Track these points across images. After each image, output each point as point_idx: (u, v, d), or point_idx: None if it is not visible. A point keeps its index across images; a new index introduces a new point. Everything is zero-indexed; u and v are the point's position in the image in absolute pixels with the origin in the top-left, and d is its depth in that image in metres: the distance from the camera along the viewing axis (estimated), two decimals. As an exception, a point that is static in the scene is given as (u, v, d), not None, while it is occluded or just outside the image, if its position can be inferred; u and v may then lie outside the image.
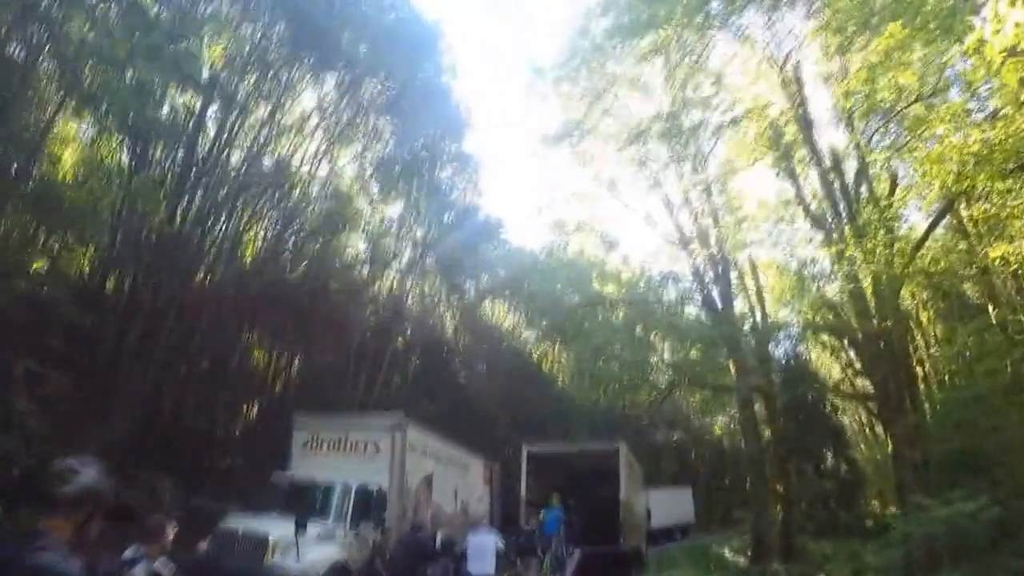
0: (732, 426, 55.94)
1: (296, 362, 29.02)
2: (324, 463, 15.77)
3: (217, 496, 16.94)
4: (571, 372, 37.52)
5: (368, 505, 14.40)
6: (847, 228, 19.00)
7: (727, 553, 25.77)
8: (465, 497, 20.21)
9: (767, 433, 27.06)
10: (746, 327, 26.93)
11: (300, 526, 12.03)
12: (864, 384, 30.27)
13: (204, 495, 18.20)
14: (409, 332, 32.14)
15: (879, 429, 36.09)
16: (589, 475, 22.61)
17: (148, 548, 5.62)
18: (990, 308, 23.55)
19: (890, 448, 21.69)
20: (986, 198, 21.18)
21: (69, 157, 22.14)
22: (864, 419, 42.79)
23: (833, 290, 23.25)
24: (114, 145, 21.58)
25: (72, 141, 21.74)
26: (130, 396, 18.94)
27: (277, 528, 12.48)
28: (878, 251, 17.16)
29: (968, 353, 22.23)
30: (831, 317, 24.52)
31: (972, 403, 16.51)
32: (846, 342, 28.92)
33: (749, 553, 23.90)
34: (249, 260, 26.12)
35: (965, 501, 11.23)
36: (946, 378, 25.73)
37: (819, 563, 20.79)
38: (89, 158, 21.68)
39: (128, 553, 5.61)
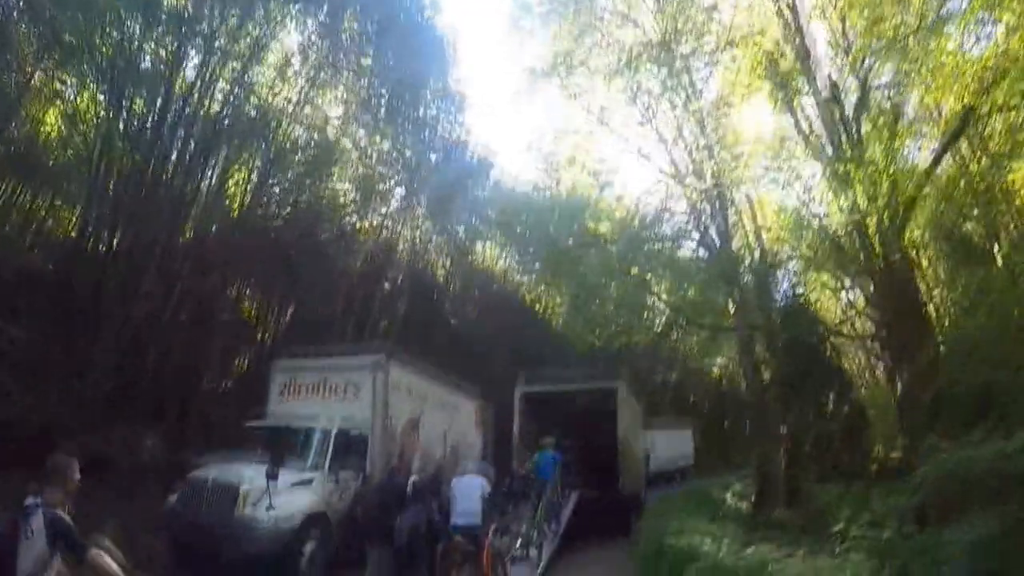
0: (731, 368, 55.52)
1: (285, 310, 28.14)
2: (302, 408, 14.92)
3: (204, 448, 15.93)
4: (566, 314, 36.57)
5: (348, 450, 13.57)
6: (850, 156, 17.90)
7: (729, 498, 24.98)
8: (456, 440, 19.37)
9: (767, 374, 26.10)
10: (745, 265, 26.08)
11: (271, 474, 11.11)
12: (866, 325, 29.62)
13: (189, 448, 17.25)
14: (400, 276, 31.14)
15: (880, 372, 36.49)
16: (586, 416, 21.77)
17: (49, 494, 4.57)
18: (995, 248, 23.05)
19: (898, 389, 20.75)
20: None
21: (50, 116, 21.54)
22: (864, 362, 42.35)
23: (836, 223, 22.22)
24: (93, 98, 20.52)
25: (53, 99, 20.79)
26: (109, 349, 18.09)
27: (250, 476, 11.65)
28: (883, 183, 16.27)
29: (973, 295, 21.09)
30: (833, 252, 23.47)
31: (999, 337, 15.49)
32: (848, 280, 28.12)
33: (752, 498, 23.05)
34: (235, 209, 25.17)
35: (988, 442, 10.27)
36: (947, 322, 24.76)
37: (825, 509, 20.06)
38: (69, 114, 20.93)
39: (28, 501, 4.55)
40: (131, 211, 19.61)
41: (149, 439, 17.72)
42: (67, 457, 5.04)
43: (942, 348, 19.42)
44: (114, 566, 4.46)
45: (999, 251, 23.25)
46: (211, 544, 11.32)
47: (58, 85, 20.32)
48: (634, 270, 26.79)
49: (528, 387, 21.27)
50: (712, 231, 25.06)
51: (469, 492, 10.88)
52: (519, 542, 14.49)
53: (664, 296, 29.76)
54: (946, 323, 23.74)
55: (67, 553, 4.41)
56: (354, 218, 29.36)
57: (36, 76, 18.89)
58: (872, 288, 21.14)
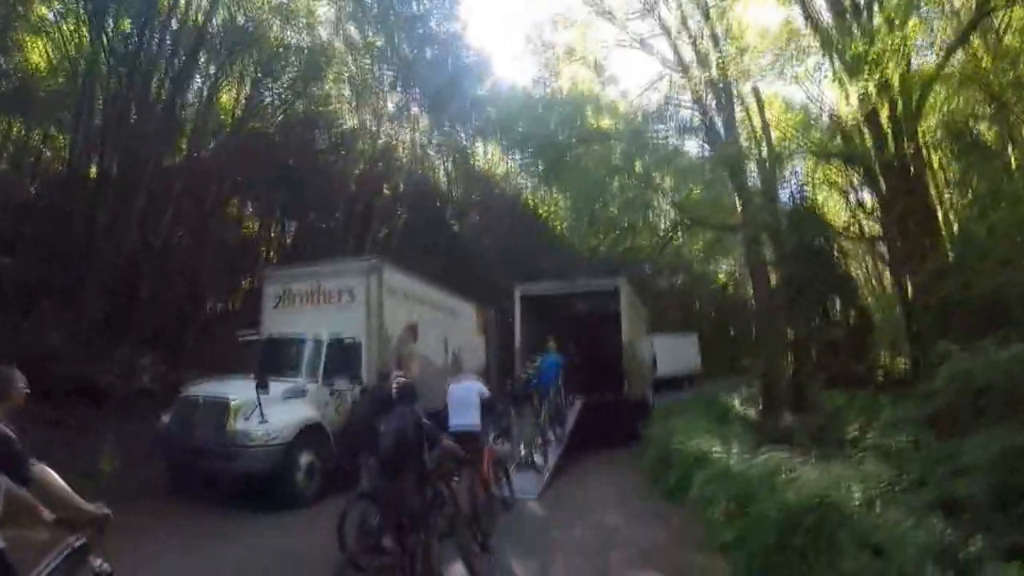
0: (737, 273, 54.86)
1: (286, 224, 27.58)
2: (297, 318, 14.41)
3: (204, 370, 15.50)
4: (569, 217, 35.72)
5: (342, 358, 13.09)
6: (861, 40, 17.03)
7: (736, 404, 24.69)
8: (457, 346, 18.80)
9: (774, 277, 25.47)
10: (752, 162, 25.44)
11: (261, 385, 10.69)
12: (873, 228, 29.77)
13: (188, 371, 16.73)
14: (400, 183, 30.36)
15: (887, 278, 36.14)
16: (589, 317, 21.40)
17: None
18: (1009, 149, 22.28)
19: (908, 292, 20.21)
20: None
21: (38, 45, 20.70)
22: (871, 268, 41.92)
23: (846, 115, 21.38)
24: (78, 21, 19.76)
25: (40, 28, 20.15)
26: (103, 275, 17.70)
27: (241, 391, 11.22)
28: (894, 72, 15.54)
29: (984, 197, 20.51)
30: (844, 145, 22.60)
31: (1011, 240, 15.03)
32: (856, 180, 27.51)
33: (760, 404, 22.71)
34: (228, 123, 24.47)
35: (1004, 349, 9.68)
36: (956, 227, 24.05)
37: (833, 415, 19.72)
38: (56, 40, 20.23)
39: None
40: (121, 133, 18.90)
41: (147, 365, 17.43)
42: (9, 368, 4.53)
43: (951, 255, 18.73)
44: (60, 482, 3.94)
45: (1013, 151, 22.35)
46: (205, 463, 10.98)
47: (44, 11, 19.61)
48: (638, 167, 26.01)
49: (528, 288, 20.43)
50: (718, 124, 24.09)
51: (465, 396, 10.35)
52: (522, 448, 14.14)
53: (669, 194, 28.91)
54: (955, 228, 22.96)
55: (9, 468, 3.83)
56: (351, 123, 28.39)
57: (20, 6, 18.13)
58: (883, 185, 20.39)
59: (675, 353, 36.93)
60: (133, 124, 19.02)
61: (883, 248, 30.44)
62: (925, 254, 18.07)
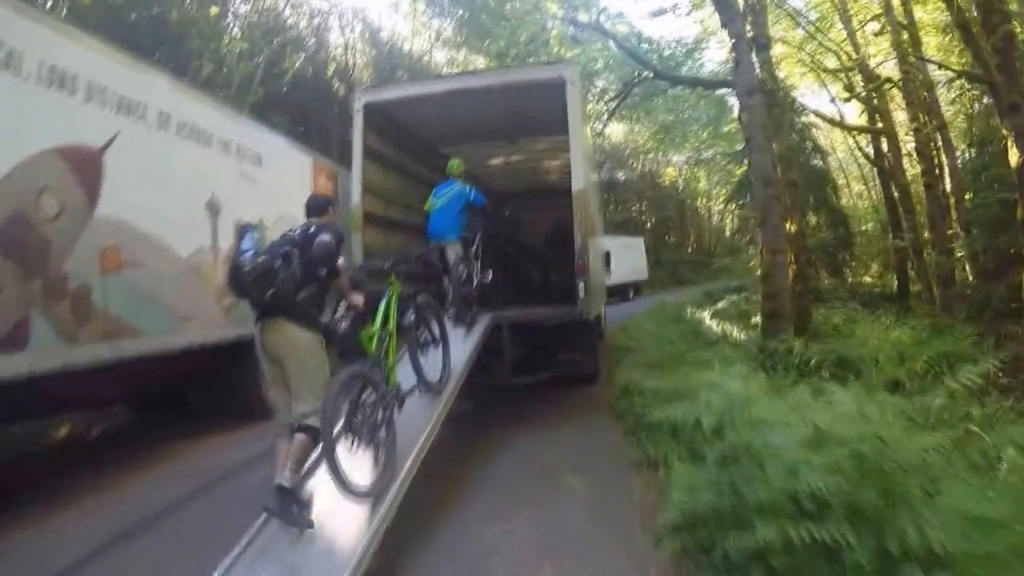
0: (687, 172, 47.68)
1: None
2: None
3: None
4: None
5: None
6: None
7: (707, 319, 16.39)
8: (251, 217, 8.83)
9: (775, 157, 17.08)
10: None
11: None
12: (860, 117, 24.17)
13: None
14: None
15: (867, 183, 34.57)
16: (507, 155, 11.91)
17: None
18: None
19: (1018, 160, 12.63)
20: None
21: None
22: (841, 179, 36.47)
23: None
24: None
25: None
26: None
27: None
28: None
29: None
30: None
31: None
32: (847, 59, 21.71)
33: (755, 321, 14.15)
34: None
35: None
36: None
37: (848, 343, 11.78)
38: None
39: None
40: None
41: None
42: None
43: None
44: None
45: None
46: None
47: None
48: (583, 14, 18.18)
49: (381, 92, 9.23)
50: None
51: None
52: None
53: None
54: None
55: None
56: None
57: None
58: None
59: (624, 258, 29.62)
60: None
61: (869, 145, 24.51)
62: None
